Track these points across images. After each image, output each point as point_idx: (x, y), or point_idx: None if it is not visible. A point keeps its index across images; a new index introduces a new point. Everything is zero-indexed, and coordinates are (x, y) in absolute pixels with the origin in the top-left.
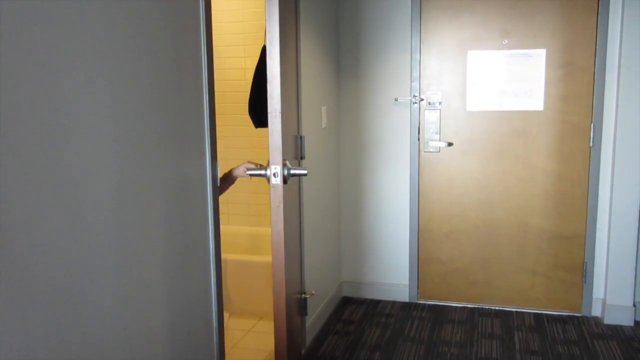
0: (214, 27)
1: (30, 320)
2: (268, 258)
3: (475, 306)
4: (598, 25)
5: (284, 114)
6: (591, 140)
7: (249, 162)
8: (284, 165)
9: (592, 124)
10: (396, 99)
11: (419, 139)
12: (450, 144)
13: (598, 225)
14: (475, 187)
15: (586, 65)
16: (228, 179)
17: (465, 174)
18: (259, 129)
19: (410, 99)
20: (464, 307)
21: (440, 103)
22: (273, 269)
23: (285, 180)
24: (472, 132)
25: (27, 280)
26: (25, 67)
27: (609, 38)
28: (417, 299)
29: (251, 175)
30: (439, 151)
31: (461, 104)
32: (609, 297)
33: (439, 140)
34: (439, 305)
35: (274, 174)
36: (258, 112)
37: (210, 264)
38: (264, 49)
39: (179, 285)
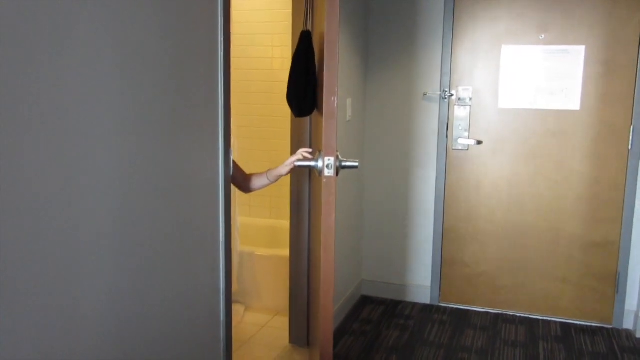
0: (239, 16)
1: (21, 319)
2: (285, 252)
3: (500, 312)
4: None
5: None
6: (630, 143)
7: (302, 151)
8: (336, 156)
9: (631, 127)
10: (425, 94)
11: (447, 136)
12: (479, 142)
13: (634, 233)
14: (505, 188)
15: (628, 63)
16: (265, 178)
17: (495, 174)
18: (281, 121)
19: (440, 94)
20: (487, 313)
21: (470, 99)
22: (323, 267)
23: (337, 172)
24: (504, 130)
25: (17, 280)
26: (24, 47)
27: None
28: (439, 302)
29: (300, 167)
30: (468, 149)
31: (493, 101)
32: None
33: (468, 138)
34: (461, 309)
35: (328, 166)
36: (299, 101)
37: (220, 256)
38: (302, 35)
39: (186, 278)
